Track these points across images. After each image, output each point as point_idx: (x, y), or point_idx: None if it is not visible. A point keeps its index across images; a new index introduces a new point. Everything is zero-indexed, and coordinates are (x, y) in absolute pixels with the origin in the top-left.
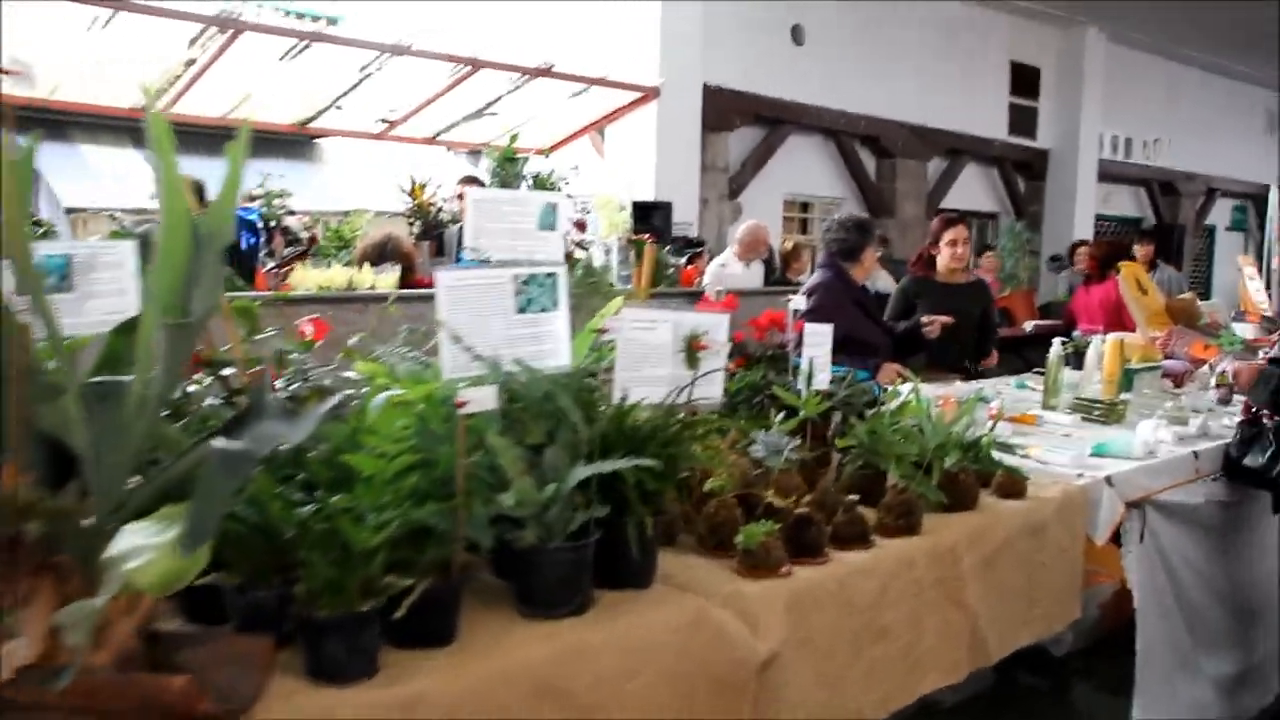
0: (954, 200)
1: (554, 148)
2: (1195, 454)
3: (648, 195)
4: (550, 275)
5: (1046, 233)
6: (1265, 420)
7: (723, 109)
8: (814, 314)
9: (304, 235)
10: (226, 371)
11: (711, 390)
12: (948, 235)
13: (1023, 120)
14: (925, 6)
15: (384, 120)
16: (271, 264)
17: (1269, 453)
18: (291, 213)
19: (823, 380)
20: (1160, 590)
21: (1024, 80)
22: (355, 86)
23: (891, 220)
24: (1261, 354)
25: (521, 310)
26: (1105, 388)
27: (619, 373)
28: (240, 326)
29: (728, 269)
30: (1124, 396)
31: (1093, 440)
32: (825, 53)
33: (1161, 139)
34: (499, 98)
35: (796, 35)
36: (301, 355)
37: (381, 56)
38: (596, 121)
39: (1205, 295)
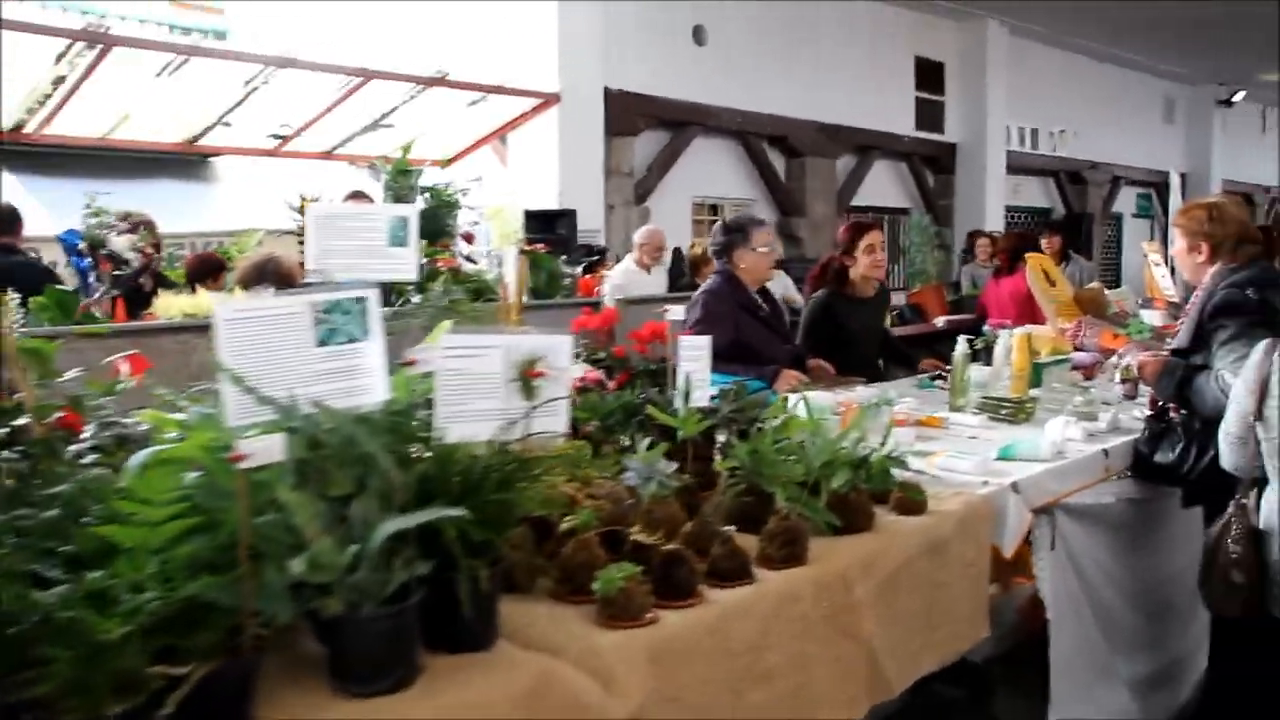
0: (865, 197)
1: (455, 158)
2: (1105, 452)
3: (551, 203)
4: (359, 300)
5: (959, 226)
6: (1172, 414)
7: (626, 113)
8: (701, 324)
9: (132, 256)
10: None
11: (554, 422)
12: (864, 241)
13: (929, 114)
14: (827, 4)
15: (276, 136)
16: (101, 292)
17: (1178, 448)
18: (122, 232)
19: (702, 396)
20: (1074, 597)
21: (929, 75)
22: (242, 101)
23: (803, 220)
24: (1167, 343)
25: (323, 342)
26: (1014, 384)
27: (438, 408)
28: (32, 369)
29: (629, 276)
30: (1033, 392)
31: (1001, 442)
32: (729, 53)
33: (1067, 130)
34: (394, 109)
35: (698, 36)
36: (107, 399)
37: (267, 70)
38: (497, 130)
39: (1115, 283)
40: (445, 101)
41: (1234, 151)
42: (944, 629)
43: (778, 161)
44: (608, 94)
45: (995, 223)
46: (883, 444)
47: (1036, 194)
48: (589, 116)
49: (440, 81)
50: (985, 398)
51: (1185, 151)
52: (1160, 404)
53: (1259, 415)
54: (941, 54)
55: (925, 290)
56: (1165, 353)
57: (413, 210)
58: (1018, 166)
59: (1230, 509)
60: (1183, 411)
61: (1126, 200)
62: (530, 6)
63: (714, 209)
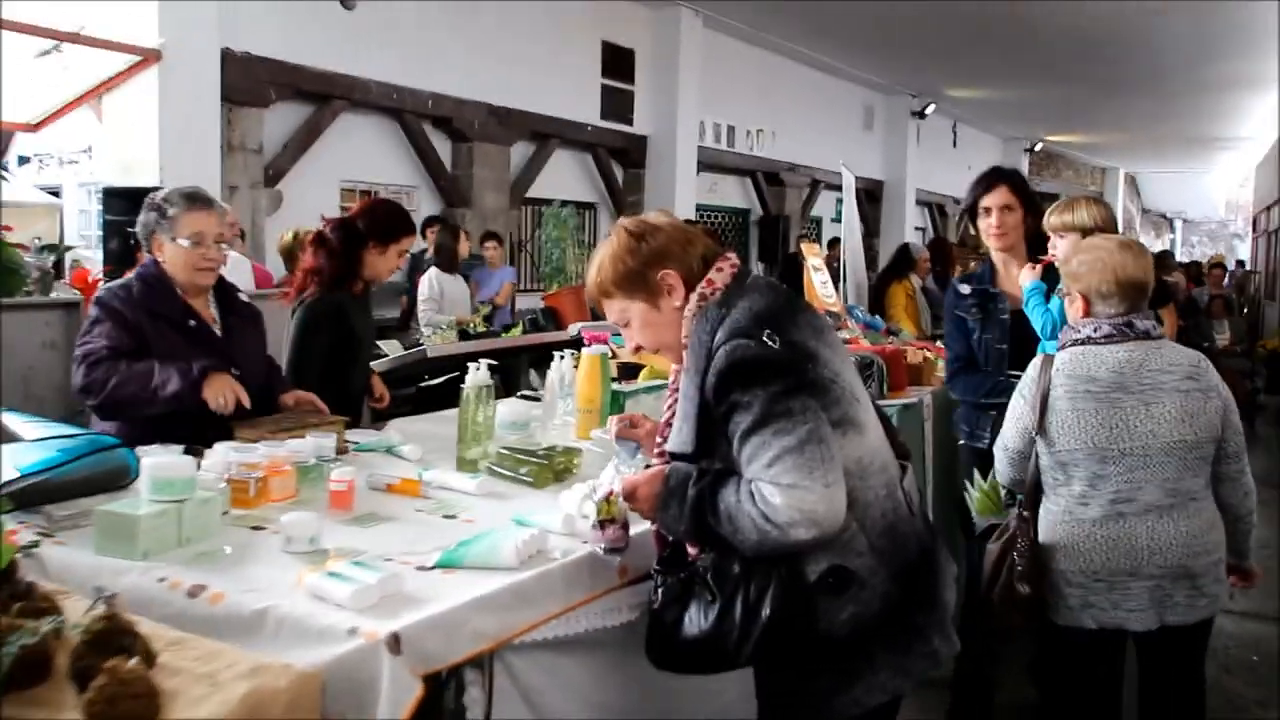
0: (544, 189)
1: (44, 122)
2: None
3: (152, 179)
4: None
5: None
6: (695, 557)
7: (253, 80)
8: (93, 337)
9: None
10: None
11: None
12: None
13: (618, 104)
14: None
15: None
16: None
17: (713, 611)
18: None
19: None
20: None
21: (617, 62)
22: None
23: (469, 211)
24: (651, 458)
25: None
26: (581, 422)
27: None
28: None
29: None
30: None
31: (484, 525)
32: (383, 21)
33: (765, 129)
34: None
35: None
36: None
37: None
38: (91, 91)
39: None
40: (11, 49)
41: (928, 163)
42: None
43: (442, 145)
44: (227, 56)
45: None
46: None
47: (734, 193)
48: (201, 81)
49: None
50: (504, 449)
51: (883, 160)
52: (672, 543)
53: (1040, 429)
54: (631, 41)
55: (562, 293)
56: (657, 462)
57: None
58: (713, 164)
59: (1013, 523)
60: (705, 554)
61: (826, 204)
62: None
63: (367, 195)
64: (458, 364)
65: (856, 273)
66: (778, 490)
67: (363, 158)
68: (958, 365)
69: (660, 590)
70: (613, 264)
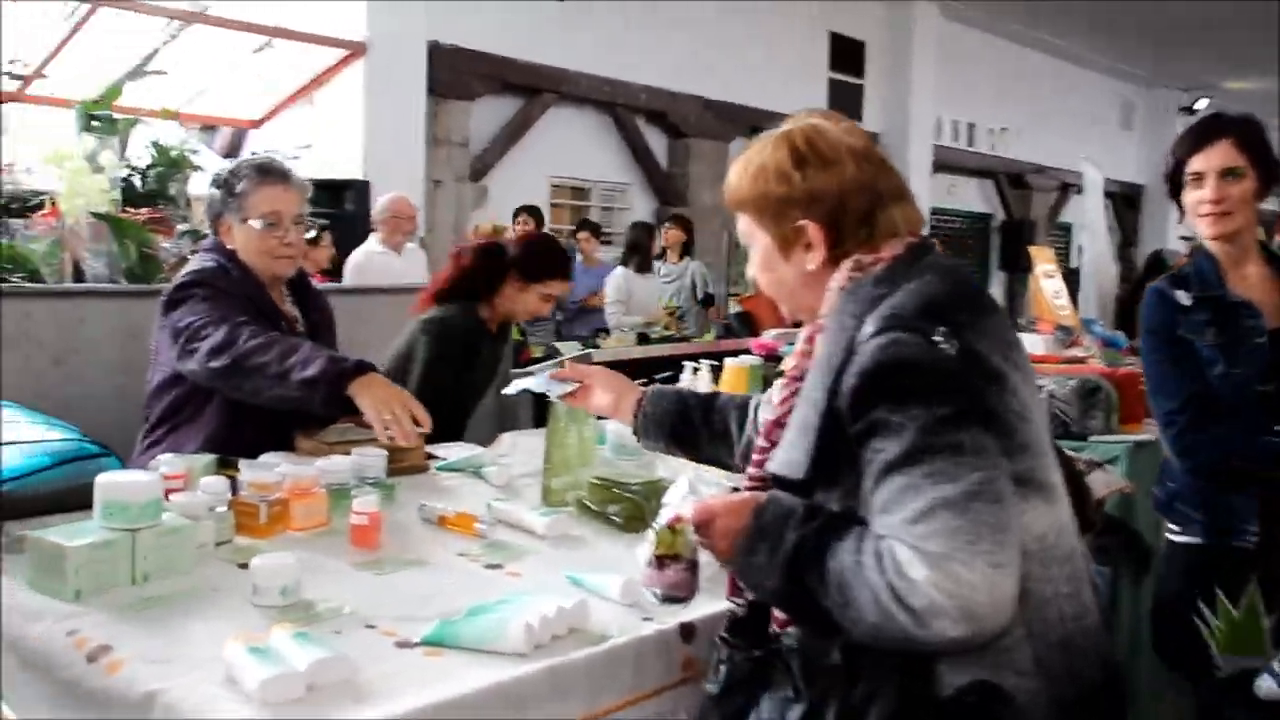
0: None
1: (265, 118)
2: (686, 629)
3: (357, 173)
4: None
5: None
6: (779, 629)
7: (460, 73)
8: (205, 324)
9: None
10: None
11: None
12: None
13: (846, 98)
14: None
15: (12, 75)
16: None
17: (796, 716)
18: None
19: None
20: None
21: (846, 54)
22: None
23: (686, 210)
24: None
25: None
26: None
27: None
28: None
29: (371, 258)
30: None
31: (521, 588)
32: (595, 12)
33: (1009, 128)
34: (154, 51)
35: None
36: None
37: None
38: (306, 86)
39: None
40: (223, 47)
41: None
42: None
43: (656, 141)
44: (434, 49)
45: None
46: None
47: (974, 197)
48: (406, 74)
49: (199, 17)
50: (597, 480)
51: (1145, 161)
52: (749, 601)
53: None
54: (862, 32)
55: (761, 295)
56: (750, 485)
57: None
58: (951, 164)
59: None
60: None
61: (1078, 210)
62: None
63: (581, 192)
64: (646, 369)
65: (1100, 283)
66: (921, 560)
67: (573, 153)
68: (1188, 415)
69: (723, 669)
70: (754, 178)
